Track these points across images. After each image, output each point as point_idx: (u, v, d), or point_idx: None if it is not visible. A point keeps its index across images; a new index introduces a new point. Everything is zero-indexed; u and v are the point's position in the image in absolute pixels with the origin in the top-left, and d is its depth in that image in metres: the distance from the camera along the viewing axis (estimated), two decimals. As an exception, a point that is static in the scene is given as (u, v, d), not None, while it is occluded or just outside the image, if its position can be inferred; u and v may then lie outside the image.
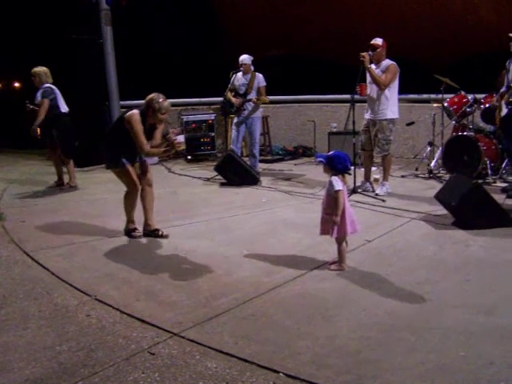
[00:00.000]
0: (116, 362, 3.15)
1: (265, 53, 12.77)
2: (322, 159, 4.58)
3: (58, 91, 8.27)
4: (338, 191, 4.41)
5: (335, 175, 4.51)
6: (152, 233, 5.73)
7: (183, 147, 5.49)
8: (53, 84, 8.25)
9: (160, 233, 5.72)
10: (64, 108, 8.34)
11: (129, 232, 5.76)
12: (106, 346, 3.36)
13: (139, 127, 5.33)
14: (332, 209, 4.46)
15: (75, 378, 2.98)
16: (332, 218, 4.45)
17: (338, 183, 4.44)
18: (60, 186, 8.52)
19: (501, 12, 11.92)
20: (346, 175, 4.60)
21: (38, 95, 8.09)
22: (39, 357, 3.24)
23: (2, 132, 12.84)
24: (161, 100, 5.35)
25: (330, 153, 4.75)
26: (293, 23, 13.91)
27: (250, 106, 8.80)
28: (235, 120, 9.04)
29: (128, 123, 5.34)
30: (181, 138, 5.56)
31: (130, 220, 5.80)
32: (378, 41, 7.17)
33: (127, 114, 5.42)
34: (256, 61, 8.97)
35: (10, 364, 3.16)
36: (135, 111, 5.39)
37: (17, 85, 10.64)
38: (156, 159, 10.64)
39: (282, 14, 13.98)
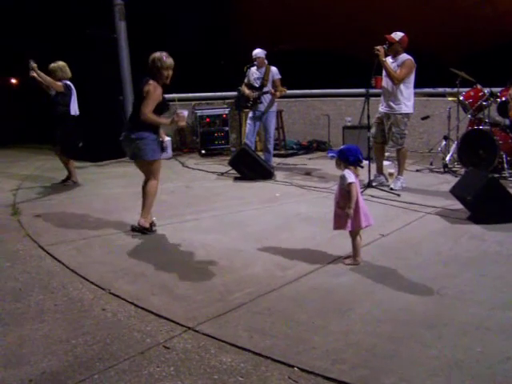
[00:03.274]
0: (131, 356, 3.17)
1: (277, 46, 12.72)
2: (333, 154, 4.59)
3: (74, 91, 8.12)
4: (350, 184, 4.39)
5: (347, 168, 4.49)
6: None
7: (185, 122, 5.50)
8: (70, 79, 8.14)
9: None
10: (74, 110, 8.13)
11: (149, 228, 5.65)
12: (121, 340, 3.38)
13: (158, 95, 5.34)
14: (345, 202, 4.45)
15: (91, 372, 3.00)
16: (345, 211, 4.43)
17: (350, 176, 4.42)
18: (64, 181, 8.38)
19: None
20: (358, 168, 4.58)
21: (53, 91, 8.07)
22: (55, 350, 3.27)
23: (11, 127, 12.88)
24: (164, 58, 5.36)
25: (341, 147, 4.75)
26: (305, 17, 13.85)
27: (265, 100, 8.75)
28: (250, 114, 9.00)
29: (152, 87, 5.32)
30: (184, 112, 5.54)
31: (150, 215, 5.73)
32: (398, 35, 7.08)
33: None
34: (269, 55, 8.94)
35: (26, 357, 3.19)
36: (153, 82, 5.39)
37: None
38: (170, 153, 10.63)
39: (294, 7, 13.92)
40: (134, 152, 5.57)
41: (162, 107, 5.57)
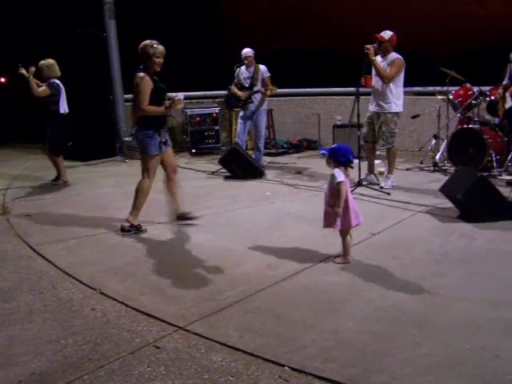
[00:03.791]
0: (121, 356, 3.15)
1: (267, 45, 12.71)
2: (324, 151, 4.59)
3: (63, 90, 8.04)
4: (340, 183, 4.40)
5: (337, 167, 4.50)
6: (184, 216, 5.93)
7: (182, 105, 5.50)
8: (59, 77, 8.05)
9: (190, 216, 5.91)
10: (63, 109, 8.05)
11: (138, 226, 5.66)
12: (111, 340, 3.36)
13: (147, 84, 5.30)
14: (335, 201, 4.45)
15: (81, 372, 2.99)
16: (334, 210, 4.43)
17: (339, 175, 4.42)
18: (54, 181, 8.31)
19: (508, 3, 11.85)
20: (349, 168, 4.58)
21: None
22: (44, 350, 3.25)
23: (4, 127, 12.79)
24: (155, 45, 5.34)
25: (333, 145, 4.75)
26: (295, 15, 13.86)
27: (255, 98, 8.73)
28: (241, 113, 8.96)
29: (139, 79, 5.30)
30: (180, 96, 5.52)
31: (139, 214, 5.72)
32: (388, 34, 7.08)
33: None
34: (259, 54, 8.92)
35: (15, 357, 3.17)
36: (140, 73, 5.37)
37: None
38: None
39: (284, 5, 13.94)
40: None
41: (158, 94, 5.51)
